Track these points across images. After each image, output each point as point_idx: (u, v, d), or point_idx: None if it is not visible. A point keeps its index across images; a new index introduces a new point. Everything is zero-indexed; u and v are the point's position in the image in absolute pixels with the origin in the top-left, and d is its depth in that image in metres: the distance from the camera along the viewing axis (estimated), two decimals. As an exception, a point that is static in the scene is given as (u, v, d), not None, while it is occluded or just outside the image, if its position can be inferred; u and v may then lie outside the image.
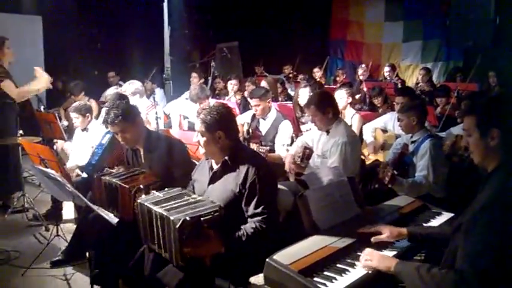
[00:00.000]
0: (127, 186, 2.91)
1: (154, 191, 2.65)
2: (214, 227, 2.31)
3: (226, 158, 2.58)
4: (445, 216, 2.72)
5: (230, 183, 2.54)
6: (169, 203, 2.44)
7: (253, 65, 10.03)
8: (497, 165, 1.84)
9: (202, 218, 2.27)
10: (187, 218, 2.22)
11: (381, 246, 2.26)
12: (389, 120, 5.02)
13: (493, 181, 1.82)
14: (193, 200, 2.48)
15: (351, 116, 5.17)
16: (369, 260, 2.05)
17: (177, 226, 2.21)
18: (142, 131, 3.36)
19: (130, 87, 5.53)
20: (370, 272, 2.04)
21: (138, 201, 2.55)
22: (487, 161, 1.87)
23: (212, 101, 5.61)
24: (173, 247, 2.29)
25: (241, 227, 2.44)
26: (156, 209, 2.38)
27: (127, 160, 3.52)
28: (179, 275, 2.35)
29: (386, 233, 2.29)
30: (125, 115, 3.21)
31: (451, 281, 1.72)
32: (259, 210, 2.44)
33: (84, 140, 4.73)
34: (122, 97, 4.80)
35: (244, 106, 6.74)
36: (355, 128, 5.03)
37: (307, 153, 3.97)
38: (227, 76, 8.95)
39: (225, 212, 2.43)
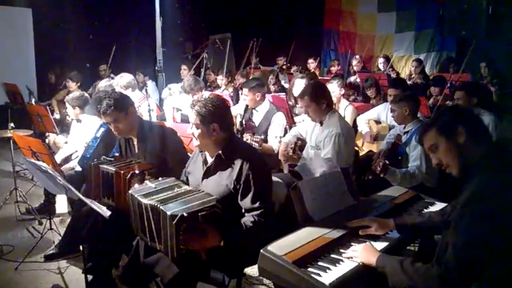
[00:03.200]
0: (122, 171, 2.89)
1: (147, 181, 2.62)
2: (212, 221, 2.28)
3: (220, 152, 2.56)
4: (438, 206, 2.73)
5: (224, 179, 2.53)
6: (162, 194, 2.40)
7: (248, 56, 10.03)
8: (477, 159, 1.85)
9: (199, 214, 2.23)
10: (185, 214, 2.18)
11: (373, 237, 2.27)
12: (383, 111, 5.03)
13: (476, 176, 1.83)
14: (185, 190, 2.45)
15: (344, 107, 5.17)
16: (354, 255, 2.07)
17: (174, 222, 2.17)
18: (135, 121, 3.34)
19: (122, 81, 5.49)
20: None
21: (130, 192, 2.52)
22: (466, 162, 1.88)
23: (206, 93, 5.59)
24: (169, 241, 2.25)
25: (241, 220, 2.43)
26: (149, 201, 2.34)
27: (120, 150, 3.50)
28: (174, 268, 2.34)
29: (374, 226, 2.30)
30: (117, 105, 3.19)
31: (436, 273, 1.75)
32: (256, 205, 2.43)
33: (77, 131, 4.71)
34: None
35: (237, 98, 6.74)
36: (349, 119, 5.04)
37: (299, 145, 3.97)
38: (218, 68, 8.94)
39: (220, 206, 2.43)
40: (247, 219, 2.42)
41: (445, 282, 1.72)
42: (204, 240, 2.28)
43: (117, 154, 3.60)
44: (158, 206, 2.27)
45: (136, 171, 2.87)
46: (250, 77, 6.64)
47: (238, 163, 2.49)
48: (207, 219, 2.26)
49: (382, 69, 8.58)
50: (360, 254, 2.06)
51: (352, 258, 2.07)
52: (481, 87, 5.43)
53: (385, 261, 1.96)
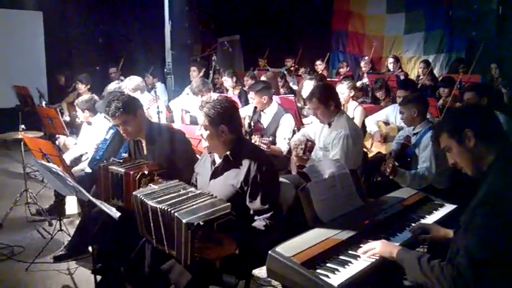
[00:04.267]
0: (131, 172, 2.91)
1: (150, 184, 2.63)
2: (226, 229, 2.27)
3: (228, 153, 2.56)
4: (448, 208, 2.71)
5: (232, 179, 2.53)
6: (168, 197, 2.40)
7: (256, 58, 10.02)
8: (491, 162, 1.85)
9: (215, 223, 2.21)
10: (201, 223, 2.15)
11: (383, 238, 2.26)
12: (392, 113, 5.01)
13: (489, 178, 1.82)
14: (195, 194, 2.45)
15: (353, 108, 5.15)
16: (372, 247, 2.07)
17: (190, 230, 2.14)
18: (144, 124, 3.35)
19: (131, 83, 5.53)
20: (372, 261, 2.04)
21: (134, 193, 2.53)
22: (479, 164, 1.88)
23: (214, 95, 5.60)
24: (183, 249, 2.23)
25: (252, 225, 2.42)
26: (158, 205, 2.32)
27: (129, 152, 3.52)
28: (188, 274, 2.33)
29: (432, 232, 2.30)
30: (126, 108, 3.20)
31: (449, 274, 1.74)
32: (265, 207, 2.43)
33: (88, 133, 4.75)
34: None
35: (245, 100, 6.74)
36: (358, 121, 5.02)
37: (309, 146, 3.96)
38: (227, 70, 8.94)
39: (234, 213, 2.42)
40: (259, 223, 2.42)
41: (458, 285, 1.71)
42: (220, 249, 2.27)
43: (124, 155, 3.62)
44: (171, 211, 2.23)
45: (146, 172, 2.89)
46: (263, 78, 6.66)
47: (246, 164, 2.49)
48: (223, 227, 2.25)
49: (392, 70, 8.54)
50: (379, 247, 2.06)
51: (370, 252, 2.07)
52: (491, 87, 5.39)
53: (404, 254, 1.97)
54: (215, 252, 2.27)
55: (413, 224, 2.43)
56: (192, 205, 2.30)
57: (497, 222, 1.68)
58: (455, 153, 1.92)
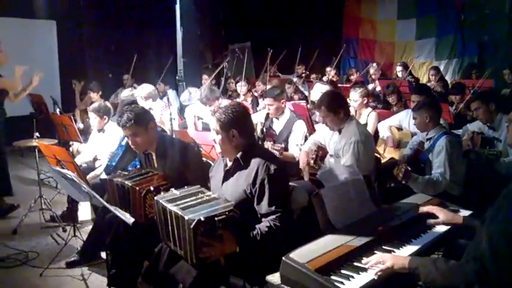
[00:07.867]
0: (137, 188, 2.91)
1: (172, 189, 2.65)
2: (229, 227, 2.30)
3: (238, 156, 2.59)
4: (463, 213, 2.68)
5: (242, 182, 2.55)
6: (185, 201, 2.44)
7: (268, 65, 10.07)
8: None
9: (216, 218, 2.26)
10: (202, 218, 2.22)
11: (397, 245, 2.25)
12: (405, 118, 4.97)
13: None
14: (208, 198, 2.47)
15: (367, 114, 5.13)
16: (381, 263, 2.00)
17: (191, 226, 2.21)
18: (154, 136, 3.32)
19: (143, 91, 5.57)
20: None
21: (156, 198, 2.56)
22: None
23: (225, 102, 5.62)
24: (188, 246, 2.29)
25: (256, 226, 2.43)
26: (171, 207, 2.38)
27: (140, 163, 3.52)
28: (193, 272, 2.36)
29: (441, 216, 2.37)
30: (137, 119, 3.19)
31: (472, 269, 1.70)
32: (271, 209, 2.44)
33: (100, 141, 4.79)
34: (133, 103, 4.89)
35: (257, 106, 6.76)
36: (371, 126, 4.99)
37: (320, 154, 3.94)
38: (237, 77, 8.99)
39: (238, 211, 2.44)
40: (263, 224, 2.43)
41: (482, 277, 1.67)
42: (221, 246, 2.30)
43: (138, 166, 3.62)
44: (178, 212, 2.31)
45: (152, 188, 2.88)
46: (268, 86, 6.67)
47: (255, 165, 2.52)
48: (224, 223, 2.29)
49: (400, 77, 8.52)
50: (389, 261, 1.99)
51: (380, 268, 2.00)
52: (495, 92, 5.35)
53: (417, 262, 1.93)
54: (217, 249, 2.30)
55: (428, 231, 2.41)
56: (201, 206, 2.36)
57: None
58: None
